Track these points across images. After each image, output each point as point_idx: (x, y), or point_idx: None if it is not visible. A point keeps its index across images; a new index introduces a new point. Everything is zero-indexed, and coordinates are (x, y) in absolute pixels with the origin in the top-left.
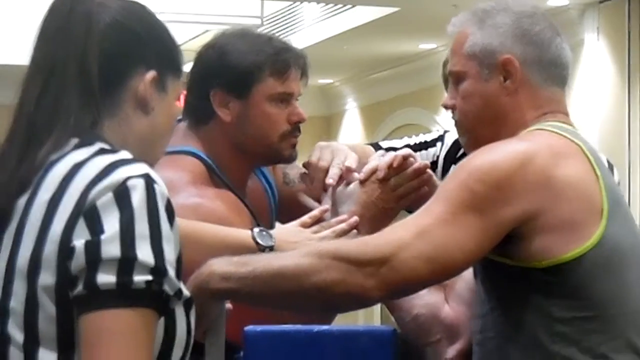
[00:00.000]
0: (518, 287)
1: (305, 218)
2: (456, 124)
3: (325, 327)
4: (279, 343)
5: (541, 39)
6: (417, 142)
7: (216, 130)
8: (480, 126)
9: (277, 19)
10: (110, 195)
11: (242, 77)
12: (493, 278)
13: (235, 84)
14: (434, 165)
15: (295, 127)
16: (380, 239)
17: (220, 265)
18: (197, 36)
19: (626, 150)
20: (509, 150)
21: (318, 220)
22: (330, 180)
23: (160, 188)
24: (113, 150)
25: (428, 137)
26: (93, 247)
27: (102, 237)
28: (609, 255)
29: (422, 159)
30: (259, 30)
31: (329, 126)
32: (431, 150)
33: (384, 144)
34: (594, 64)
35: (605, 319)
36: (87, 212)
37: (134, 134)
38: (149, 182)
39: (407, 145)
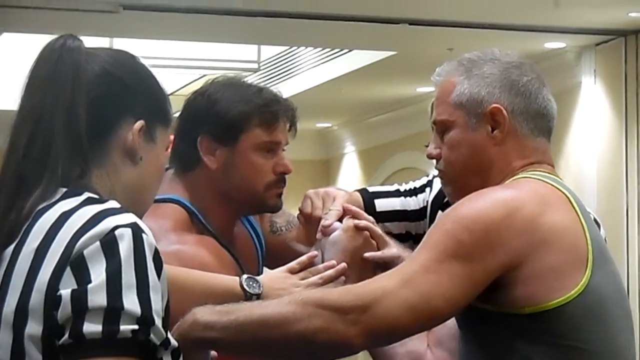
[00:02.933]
0: (501, 333)
1: (293, 264)
2: (440, 174)
3: None
4: None
5: (529, 89)
6: (407, 188)
7: (202, 177)
8: (467, 176)
9: (274, 64)
10: (97, 244)
11: (230, 125)
12: (475, 324)
13: (222, 132)
14: (423, 211)
15: (280, 178)
16: (364, 287)
17: (203, 314)
18: (193, 81)
19: (624, 192)
20: (495, 199)
21: (306, 266)
22: (327, 222)
23: (148, 238)
24: (101, 200)
25: (417, 184)
26: (79, 296)
27: (89, 286)
28: (593, 304)
29: (412, 205)
30: (254, 76)
31: (328, 170)
32: (420, 197)
33: (372, 189)
34: (591, 107)
35: None
36: (74, 261)
37: (122, 183)
38: (137, 231)
39: (397, 191)
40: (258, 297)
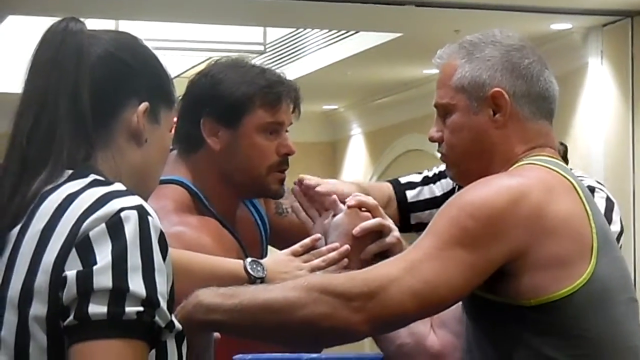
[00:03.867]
0: (508, 324)
1: (297, 247)
2: (443, 157)
3: (314, 354)
4: None
5: (530, 72)
6: (436, 172)
7: (205, 158)
8: (468, 159)
9: (280, 46)
10: (103, 226)
11: (233, 106)
12: (482, 314)
13: (225, 113)
14: (451, 194)
15: (283, 160)
16: (369, 273)
17: (207, 296)
18: (199, 64)
19: (631, 173)
20: (500, 186)
21: (310, 249)
22: (352, 201)
23: (154, 220)
24: (107, 182)
25: (442, 167)
26: (85, 278)
27: (95, 267)
28: (599, 292)
29: (438, 190)
30: (260, 58)
31: (334, 152)
32: (447, 179)
33: (403, 180)
34: (597, 88)
35: (597, 357)
36: (79, 243)
37: (127, 165)
38: (143, 214)
39: (426, 177)
40: (262, 280)
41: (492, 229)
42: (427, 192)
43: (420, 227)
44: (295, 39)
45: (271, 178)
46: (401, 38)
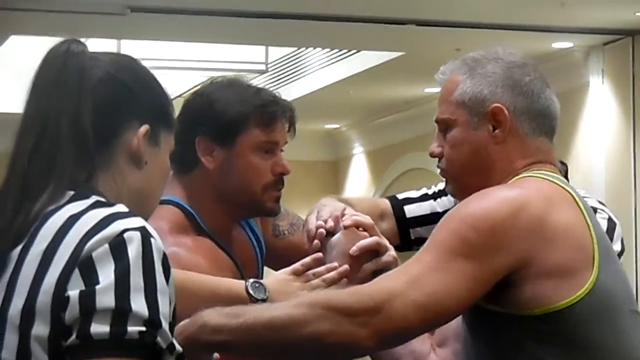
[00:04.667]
0: (510, 334)
1: (297, 265)
2: (442, 172)
3: None
4: None
5: (531, 89)
6: (435, 190)
7: (200, 178)
8: (468, 174)
9: (282, 65)
10: (106, 246)
11: (228, 125)
12: (484, 324)
13: (220, 132)
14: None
15: (278, 179)
16: (372, 288)
17: (212, 317)
18: (201, 83)
19: (632, 191)
20: (501, 197)
21: (310, 268)
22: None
23: (157, 242)
24: (109, 204)
25: (442, 185)
26: (88, 297)
27: (97, 287)
28: (602, 302)
29: (440, 206)
30: (261, 77)
31: (336, 171)
32: (449, 196)
33: (401, 196)
34: (599, 106)
35: None
36: (82, 263)
37: (128, 188)
38: (146, 235)
39: (426, 195)
40: (264, 301)
41: (493, 240)
42: (427, 208)
43: (421, 242)
44: (297, 58)
45: (266, 197)
46: (402, 57)
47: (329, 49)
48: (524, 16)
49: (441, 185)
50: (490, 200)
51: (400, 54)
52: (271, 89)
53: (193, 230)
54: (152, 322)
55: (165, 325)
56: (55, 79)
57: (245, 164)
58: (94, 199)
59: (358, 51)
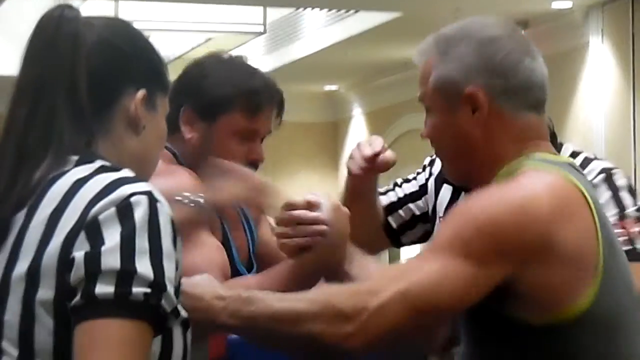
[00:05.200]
0: (510, 344)
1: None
2: (435, 153)
3: None
4: (262, 351)
5: (506, 66)
6: (403, 179)
7: (178, 143)
8: (455, 158)
9: (280, 27)
10: (113, 209)
11: (212, 104)
12: (484, 332)
13: (204, 108)
14: (423, 189)
15: (250, 165)
16: (368, 286)
17: (232, 300)
18: (199, 45)
19: (632, 151)
20: (508, 202)
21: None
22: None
23: (164, 207)
24: (115, 168)
25: (416, 172)
26: (93, 258)
27: (102, 248)
28: (605, 314)
29: (407, 189)
30: (260, 39)
31: (336, 132)
32: (418, 179)
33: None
34: (598, 66)
35: None
36: (88, 226)
37: (127, 153)
38: (153, 199)
39: (395, 184)
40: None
41: (496, 245)
42: (392, 196)
43: (415, 240)
44: (295, 19)
45: None
46: (401, 18)
47: (327, 10)
48: None
49: (413, 174)
50: (498, 205)
51: (398, 14)
52: (270, 50)
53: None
54: (157, 284)
55: (170, 288)
56: (48, 44)
57: (220, 145)
58: (99, 163)
59: (356, 12)
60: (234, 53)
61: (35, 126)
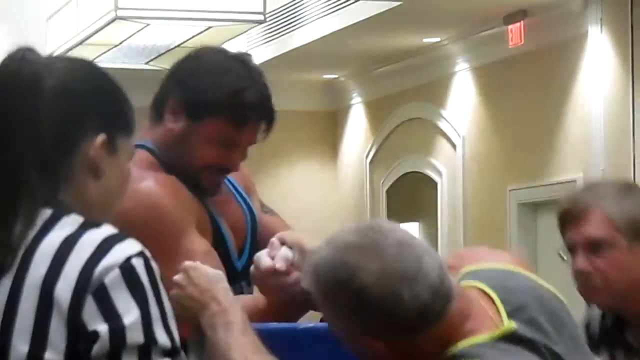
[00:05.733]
0: None
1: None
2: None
3: (310, 324)
4: (264, 341)
5: None
6: None
7: (159, 130)
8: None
9: (280, 15)
10: (117, 273)
11: (200, 105)
12: None
13: (191, 106)
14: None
15: (223, 169)
16: None
17: (219, 311)
18: (199, 33)
19: (631, 141)
20: None
21: None
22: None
23: (155, 265)
24: (96, 224)
25: None
26: (118, 334)
27: (126, 322)
28: None
29: None
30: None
31: (335, 121)
32: None
33: None
34: (597, 56)
35: None
36: (95, 291)
37: (88, 198)
38: (147, 261)
39: None
40: None
41: None
42: None
43: None
44: (295, 7)
45: (205, 175)
46: (401, 6)
47: None
48: None
49: None
50: None
51: (398, 3)
52: (270, 39)
53: (161, 170)
54: (174, 350)
55: (181, 351)
56: (8, 90)
57: (198, 145)
58: (75, 217)
59: (356, 0)
60: (237, 44)
61: (1, 177)
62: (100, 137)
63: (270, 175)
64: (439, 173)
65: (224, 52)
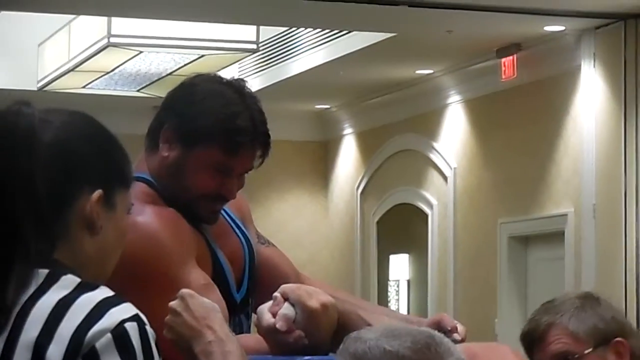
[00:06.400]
0: None
1: None
2: None
3: (306, 357)
4: None
5: None
6: None
7: (155, 159)
8: None
9: (273, 45)
10: (109, 338)
11: (193, 132)
12: None
13: (184, 134)
14: None
15: (220, 197)
16: None
17: (215, 340)
18: (191, 61)
19: (622, 175)
20: None
21: None
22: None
23: (149, 329)
24: (93, 286)
25: None
26: None
27: None
28: None
29: None
30: (253, 57)
31: (326, 152)
32: None
33: None
34: (590, 91)
35: None
36: (87, 356)
37: (85, 254)
38: (142, 325)
39: None
40: None
41: None
42: None
43: None
44: (288, 38)
45: (202, 204)
46: (394, 38)
47: (320, 29)
48: None
49: None
50: None
51: (391, 35)
52: (262, 68)
53: (160, 202)
54: None
55: None
56: (4, 145)
57: (193, 173)
58: (72, 278)
59: (349, 32)
60: (230, 73)
61: None
62: (97, 193)
63: (261, 205)
64: (430, 205)
65: (218, 79)
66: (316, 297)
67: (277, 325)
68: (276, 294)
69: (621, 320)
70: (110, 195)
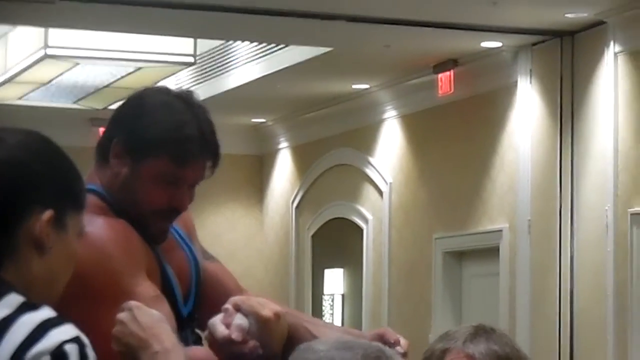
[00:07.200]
0: None
1: None
2: None
3: None
4: None
5: None
6: None
7: (107, 173)
8: None
9: (211, 58)
10: (47, 359)
11: (140, 145)
12: None
13: (132, 147)
14: None
15: (172, 210)
16: None
17: (161, 352)
18: (129, 74)
19: (557, 192)
20: None
21: None
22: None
23: (91, 352)
24: (34, 306)
25: None
26: None
27: None
28: None
29: None
30: (190, 70)
31: (262, 165)
32: None
33: None
34: (526, 106)
35: None
36: None
37: (33, 274)
38: (81, 347)
39: None
40: None
41: None
42: None
43: None
44: (226, 51)
45: (153, 222)
46: (331, 52)
47: (257, 43)
48: (454, 14)
49: None
50: None
51: (329, 49)
52: (199, 81)
53: (111, 213)
54: None
55: None
56: None
57: (143, 185)
58: (14, 298)
59: (287, 46)
60: (177, 85)
61: None
62: (48, 213)
63: (196, 218)
64: (365, 220)
65: (165, 91)
66: (268, 306)
67: (233, 336)
68: (227, 305)
69: (516, 346)
70: (62, 216)
